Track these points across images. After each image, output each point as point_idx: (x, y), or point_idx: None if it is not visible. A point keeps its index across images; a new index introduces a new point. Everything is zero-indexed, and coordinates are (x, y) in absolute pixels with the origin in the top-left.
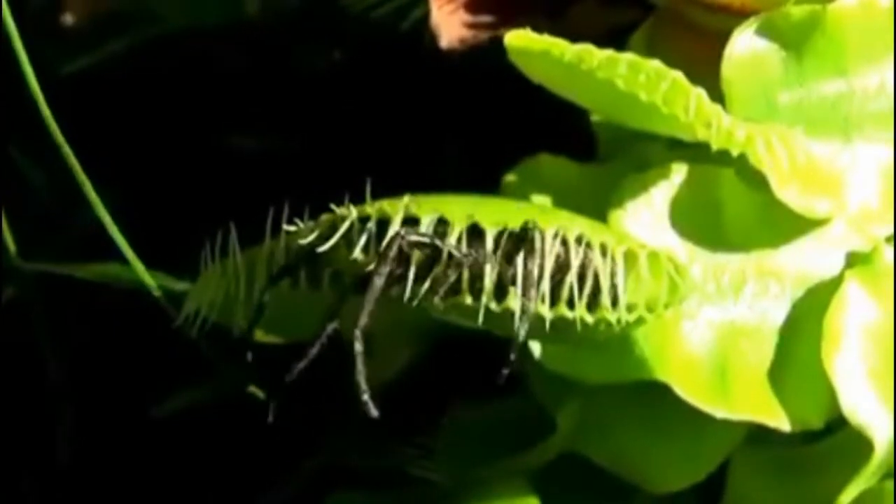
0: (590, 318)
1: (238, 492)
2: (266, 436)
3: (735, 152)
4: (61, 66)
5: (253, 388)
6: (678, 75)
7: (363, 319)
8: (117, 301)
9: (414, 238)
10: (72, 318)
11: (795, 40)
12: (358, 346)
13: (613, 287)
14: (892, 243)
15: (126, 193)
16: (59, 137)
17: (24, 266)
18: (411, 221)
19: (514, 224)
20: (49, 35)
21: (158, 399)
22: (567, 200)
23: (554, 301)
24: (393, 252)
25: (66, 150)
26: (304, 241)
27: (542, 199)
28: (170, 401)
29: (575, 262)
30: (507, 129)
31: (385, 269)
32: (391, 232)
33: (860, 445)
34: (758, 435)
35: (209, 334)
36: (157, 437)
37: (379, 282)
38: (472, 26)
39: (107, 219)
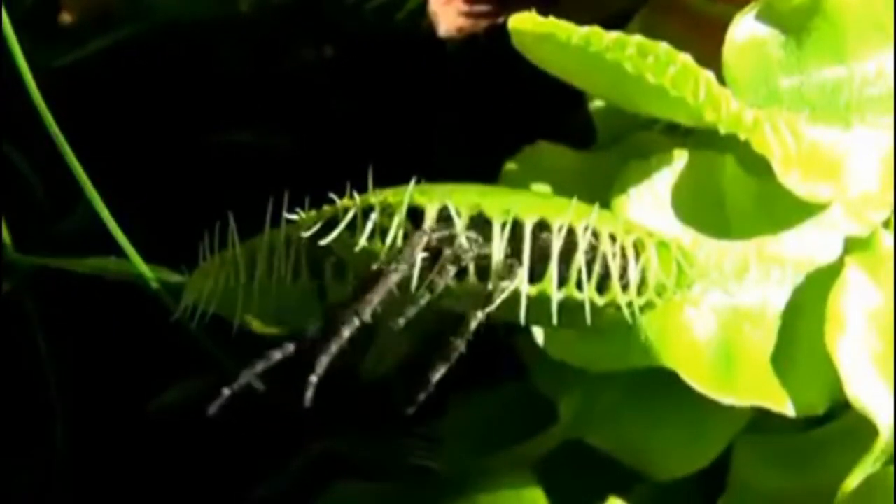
0: (600, 300)
1: (236, 481)
2: (264, 426)
3: (742, 136)
4: (57, 62)
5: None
6: (687, 58)
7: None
8: (113, 295)
9: (440, 234)
10: (68, 312)
11: (796, 25)
12: None
13: (623, 274)
14: (891, 228)
15: (120, 188)
16: (56, 131)
17: (21, 260)
18: (414, 211)
19: (521, 215)
20: (46, 34)
21: (155, 392)
22: (567, 188)
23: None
24: (421, 246)
25: (63, 143)
26: (306, 234)
27: (541, 187)
28: (166, 395)
29: (583, 251)
30: (504, 119)
31: (411, 261)
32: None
33: (863, 430)
34: (759, 421)
35: (206, 327)
36: (153, 426)
37: (395, 277)
38: (469, 15)
39: (104, 212)
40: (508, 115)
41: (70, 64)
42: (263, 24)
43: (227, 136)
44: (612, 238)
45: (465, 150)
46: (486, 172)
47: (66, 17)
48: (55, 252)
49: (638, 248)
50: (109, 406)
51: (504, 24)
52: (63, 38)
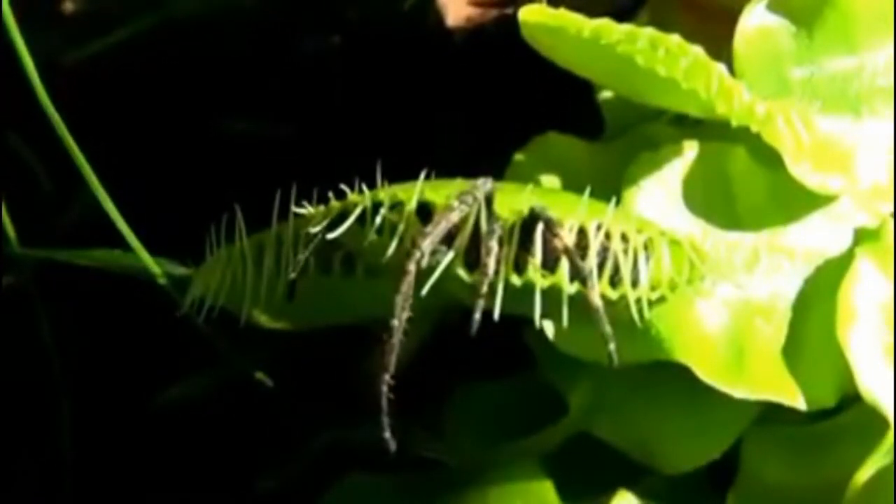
0: (613, 295)
1: (244, 473)
2: (270, 418)
3: (754, 129)
4: (61, 54)
5: (260, 375)
6: (699, 51)
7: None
8: (119, 288)
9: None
10: (73, 306)
11: (806, 15)
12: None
13: (635, 270)
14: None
15: (126, 181)
16: (59, 122)
17: (24, 253)
18: (424, 206)
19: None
20: (49, 23)
21: (160, 386)
22: (576, 179)
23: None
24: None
25: (66, 135)
26: (315, 229)
27: (551, 179)
28: (172, 390)
29: (595, 248)
30: (511, 110)
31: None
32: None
33: (873, 422)
34: (769, 414)
35: (211, 321)
36: (160, 419)
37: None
38: (478, 4)
39: (108, 203)
40: (515, 105)
41: (75, 58)
42: (269, 14)
43: (232, 127)
44: (624, 237)
45: (471, 142)
46: (492, 164)
47: (67, 6)
48: (58, 245)
49: (649, 246)
50: (116, 399)
51: (512, 15)
52: (66, 27)
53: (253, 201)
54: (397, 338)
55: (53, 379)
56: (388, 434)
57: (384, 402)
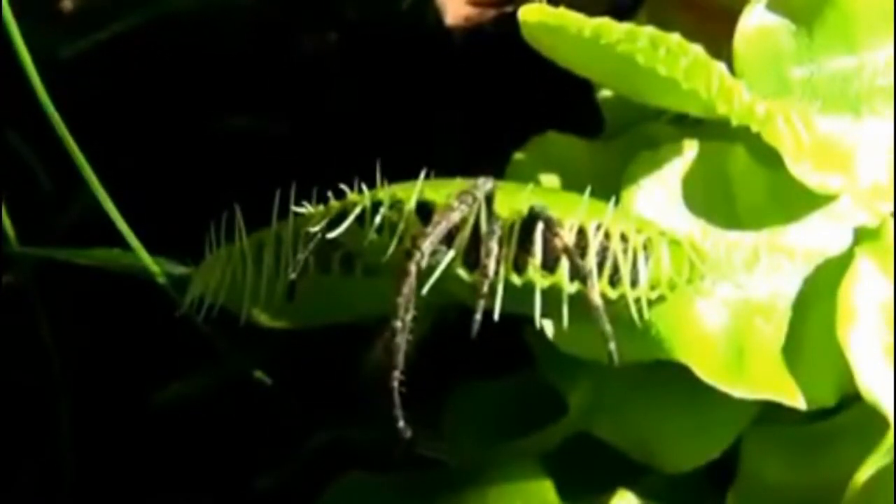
0: (613, 294)
1: (241, 472)
2: (269, 417)
3: (754, 128)
4: (59, 51)
5: (260, 374)
6: (699, 50)
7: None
8: (118, 287)
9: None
10: (71, 304)
11: (806, 15)
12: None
13: (635, 269)
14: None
15: (126, 181)
16: (57, 120)
17: (24, 252)
18: (424, 206)
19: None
20: (47, 19)
21: (160, 385)
22: (576, 178)
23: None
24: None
25: (65, 132)
26: (314, 229)
27: (550, 178)
28: (172, 389)
29: (594, 248)
30: (511, 109)
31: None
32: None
33: (873, 422)
34: (768, 413)
35: (211, 320)
36: (159, 417)
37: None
38: (476, 4)
39: (108, 204)
40: (515, 105)
41: (72, 52)
42: (268, 13)
43: (231, 125)
44: (624, 236)
45: (471, 141)
46: (492, 164)
47: (65, 4)
48: (57, 244)
49: (649, 246)
50: (116, 399)
51: (511, 14)
52: (65, 24)
53: (252, 200)
54: (402, 337)
55: (53, 379)
56: (402, 423)
57: (396, 398)
